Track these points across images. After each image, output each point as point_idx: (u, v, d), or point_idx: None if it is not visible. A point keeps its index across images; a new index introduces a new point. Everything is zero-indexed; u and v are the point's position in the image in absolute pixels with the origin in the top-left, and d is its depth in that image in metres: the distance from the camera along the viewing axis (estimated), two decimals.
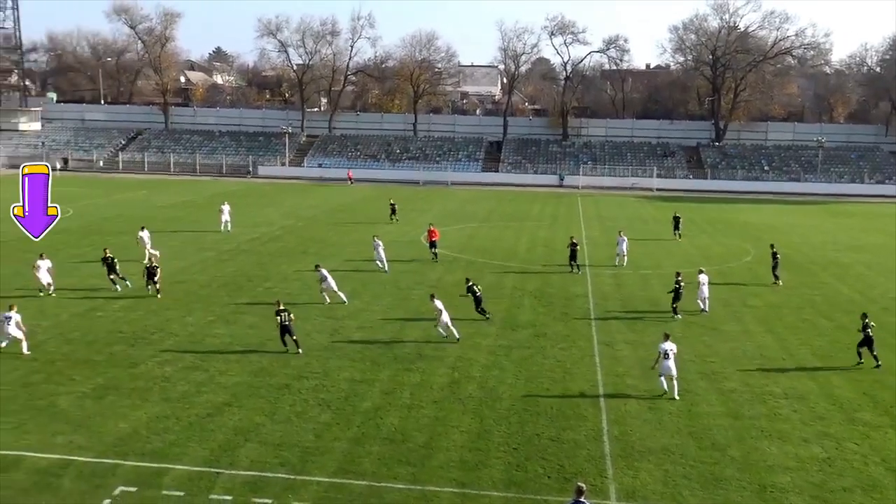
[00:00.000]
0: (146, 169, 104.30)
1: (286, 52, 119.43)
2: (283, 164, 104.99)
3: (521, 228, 57.60)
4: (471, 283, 31.07)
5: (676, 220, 54.14)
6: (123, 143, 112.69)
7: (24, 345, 25.30)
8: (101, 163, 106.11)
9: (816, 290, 38.26)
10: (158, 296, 32.92)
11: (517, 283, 37.95)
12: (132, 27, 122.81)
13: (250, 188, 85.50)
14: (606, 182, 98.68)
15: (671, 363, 22.87)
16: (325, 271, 33.31)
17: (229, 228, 51.09)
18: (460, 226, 58.51)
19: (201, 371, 24.08)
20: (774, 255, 39.80)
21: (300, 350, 26.00)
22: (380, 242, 40.50)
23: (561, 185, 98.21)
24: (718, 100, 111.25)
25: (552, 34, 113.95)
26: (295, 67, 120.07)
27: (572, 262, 40.80)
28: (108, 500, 16.16)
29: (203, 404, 21.43)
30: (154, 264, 34.11)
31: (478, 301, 30.64)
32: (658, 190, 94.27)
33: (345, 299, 33.06)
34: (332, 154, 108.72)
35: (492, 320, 30.80)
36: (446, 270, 40.80)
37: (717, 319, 31.88)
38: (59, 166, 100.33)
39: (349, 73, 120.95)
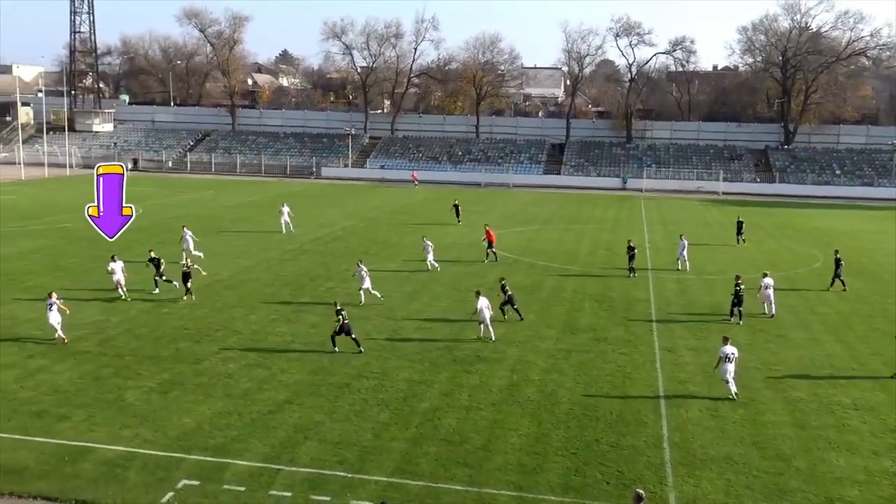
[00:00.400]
0: (213, 170, 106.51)
1: (350, 54, 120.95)
2: (345, 166, 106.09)
3: (582, 231, 57.12)
4: (503, 282, 31.09)
5: (739, 224, 53.03)
6: (191, 144, 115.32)
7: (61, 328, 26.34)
8: (170, 163, 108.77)
9: (889, 299, 37.02)
10: (193, 297, 32.71)
11: (578, 287, 37.64)
12: (202, 30, 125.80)
13: (313, 189, 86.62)
14: (670, 185, 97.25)
15: (730, 366, 22.68)
16: (364, 268, 33.82)
17: (291, 229, 51.71)
18: (521, 228, 58.30)
19: (263, 368, 24.47)
20: (838, 261, 38.67)
21: (362, 349, 26.25)
22: (430, 244, 40.61)
23: (624, 189, 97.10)
24: (788, 102, 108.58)
25: (617, 35, 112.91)
26: (359, 70, 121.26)
27: (630, 265, 40.29)
28: (171, 493, 16.52)
29: (265, 401, 21.77)
30: (192, 266, 34.01)
31: (510, 300, 30.42)
32: (724, 194, 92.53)
33: (380, 297, 33.59)
34: (395, 156, 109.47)
35: (525, 321, 30.62)
36: (506, 272, 40.61)
37: (783, 326, 31.10)
38: (129, 167, 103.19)
39: (412, 75, 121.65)
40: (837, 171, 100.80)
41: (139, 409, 20.99)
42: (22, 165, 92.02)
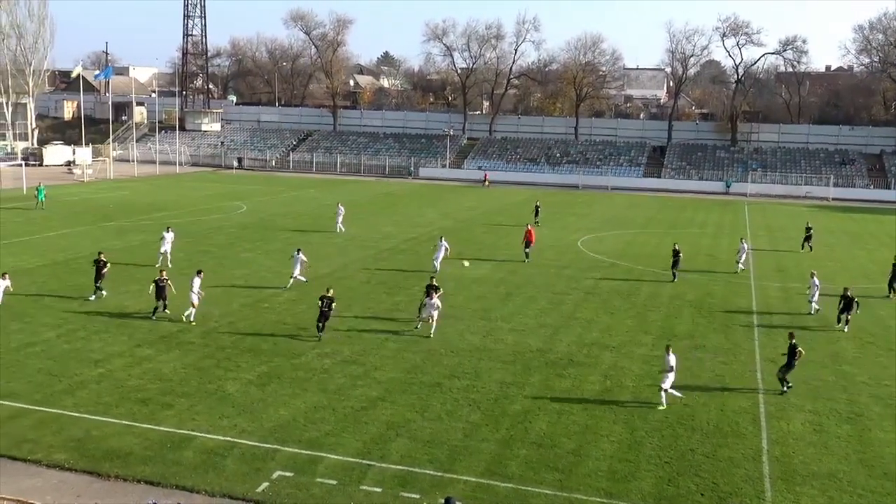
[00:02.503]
0: (314, 169, 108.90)
1: (451, 55, 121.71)
2: (443, 166, 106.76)
3: (682, 236, 55.80)
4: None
5: (808, 230, 50.75)
6: (294, 143, 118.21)
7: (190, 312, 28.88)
8: (274, 162, 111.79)
9: None
10: (167, 311, 29.45)
11: (676, 292, 36.80)
12: (307, 33, 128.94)
13: (411, 189, 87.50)
14: (777, 190, 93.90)
15: (671, 376, 22.20)
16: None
17: (342, 229, 51.71)
18: (619, 231, 57.42)
19: (357, 365, 24.85)
20: None
21: (321, 335, 27.09)
22: (445, 244, 40.43)
23: (727, 193, 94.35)
24: None
25: (724, 35, 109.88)
26: (459, 71, 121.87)
27: (674, 270, 39.26)
28: (266, 483, 16.96)
29: (358, 397, 22.11)
30: (166, 279, 29.63)
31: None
32: (834, 199, 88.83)
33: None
34: (492, 157, 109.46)
35: (622, 326, 30.00)
36: (603, 276, 40.13)
37: (894, 340, 29.60)
38: (235, 165, 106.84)
39: (512, 76, 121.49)
40: None
41: (238, 400, 21.65)
42: (135, 163, 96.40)
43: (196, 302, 29.08)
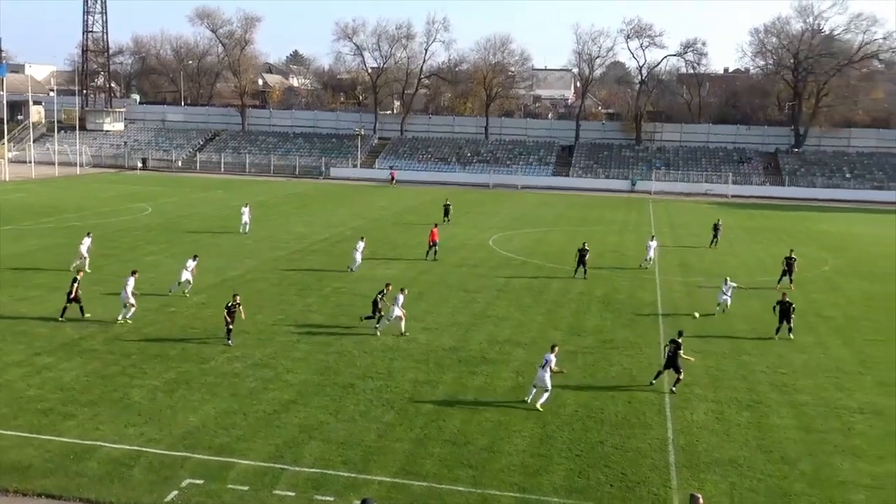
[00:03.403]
0: (222, 169, 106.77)
1: (361, 55, 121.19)
2: (354, 166, 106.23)
3: (590, 233, 57.00)
4: (384, 291, 29.60)
5: (716, 227, 52.78)
6: (201, 143, 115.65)
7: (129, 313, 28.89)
8: (180, 163, 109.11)
9: None
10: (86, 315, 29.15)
11: (585, 289, 37.60)
12: (213, 31, 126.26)
13: (322, 189, 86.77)
14: (680, 188, 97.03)
15: (545, 375, 21.78)
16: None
17: (247, 230, 51.04)
18: (529, 230, 58.27)
19: (269, 369, 24.52)
20: (791, 260, 39.54)
21: (229, 342, 26.53)
22: (361, 244, 40.73)
23: (633, 191, 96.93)
24: (799, 105, 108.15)
25: (628, 37, 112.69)
26: (369, 70, 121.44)
27: (580, 267, 39.79)
28: (175, 492, 16.56)
29: (270, 401, 21.81)
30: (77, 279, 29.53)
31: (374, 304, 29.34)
32: (733, 196, 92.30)
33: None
34: (403, 156, 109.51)
35: (532, 323, 30.60)
36: (514, 273, 40.68)
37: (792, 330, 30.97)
38: (139, 165, 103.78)
39: (423, 76, 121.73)
40: (847, 175, 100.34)
41: (145, 407, 21.06)
42: (33, 164, 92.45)
43: (133, 301, 28.92)
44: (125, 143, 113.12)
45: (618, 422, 21.18)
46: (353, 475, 17.62)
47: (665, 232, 59.30)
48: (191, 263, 33.64)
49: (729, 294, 33.53)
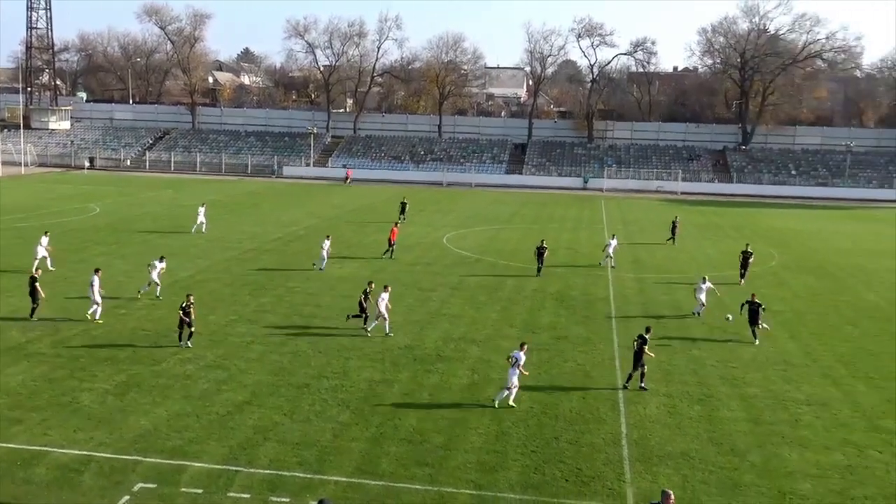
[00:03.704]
0: (172, 168, 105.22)
1: (313, 53, 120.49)
2: (307, 165, 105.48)
3: (544, 231, 57.39)
4: (367, 290, 29.43)
5: (674, 225, 53.59)
6: (151, 142, 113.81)
7: (95, 310, 28.93)
8: (129, 162, 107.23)
9: (842, 297, 37.84)
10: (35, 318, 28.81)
11: (539, 286, 37.86)
12: (162, 28, 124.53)
13: (275, 188, 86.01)
14: (631, 185, 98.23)
15: (512, 372, 21.76)
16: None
17: (203, 230, 50.63)
18: (483, 227, 58.49)
19: (222, 370, 24.25)
20: (747, 254, 40.24)
21: (188, 343, 26.14)
22: (326, 242, 40.62)
23: (585, 188, 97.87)
24: (746, 103, 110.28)
25: (579, 36, 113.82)
26: (322, 68, 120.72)
27: (539, 265, 40.01)
28: (127, 497, 16.31)
29: (223, 403, 21.58)
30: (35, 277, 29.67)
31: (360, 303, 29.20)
32: (683, 193, 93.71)
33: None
34: (357, 155, 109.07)
35: (487, 320, 30.78)
36: (469, 272, 40.80)
37: (740, 324, 31.56)
38: (86, 165, 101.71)
39: (375, 74, 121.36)
40: (793, 172, 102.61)
41: (95, 411, 20.68)
42: None
43: (99, 300, 29.06)
44: (72, 141, 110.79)
45: (572, 417, 21.39)
46: (308, 476, 17.52)
47: (618, 229, 59.90)
48: (158, 265, 33.14)
49: (703, 295, 32.84)
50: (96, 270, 30.10)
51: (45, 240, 38.28)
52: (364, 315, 28.77)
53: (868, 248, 54.21)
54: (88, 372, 23.62)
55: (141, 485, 16.80)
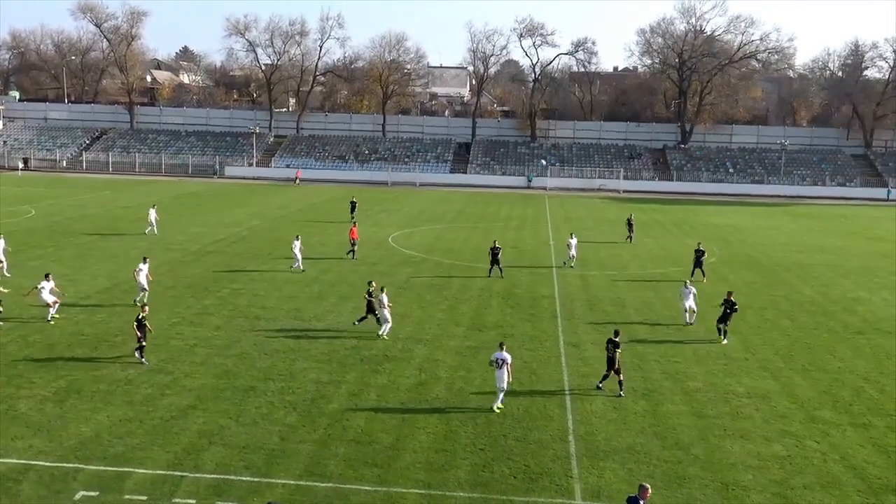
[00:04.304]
0: (111, 169, 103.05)
1: (254, 51, 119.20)
2: (250, 165, 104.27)
3: (489, 230, 57.69)
4: (370, 290, 29.54)
5: (630, 222, 54.37)
6: (87, 142, 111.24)
7: (52, 310, 28.96)
8: (65, 163, 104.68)
9: (779, 291, 38.80)
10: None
11: (485, 285, 38.03)
12: (97, 25, 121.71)
13: (217, 189, 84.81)
14: (574, 184, 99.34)
15: (502, 374, 21.62)
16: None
17: (155, 231, 49.99)
18: (428, 226, 58.52)
19: (165, 374, 23.82)
20: (700, 251, 40.75)
21: (143, 361, 24.79)
22: (297, 242, 40.40)
23: (529, 187, 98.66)
24: (684, 103, 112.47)
25: (521, 36, 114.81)
26: (263, 67, 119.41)
27: (494, 266, 39.63)
28: None
29: (167, 407, 21.20)
30: None
31: (369, 306, 29.29)
32: (625, 192, 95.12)
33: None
34: (300, 154, 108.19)
35: (433, 319, 30.86)
36: (415, 271, 40.79)
37: (680, 319, 32.15)
38: (20, 166, 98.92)
39: (318, 73, 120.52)
40: (731, 170, 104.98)
41: (32, 418, 20.13)
42: None
43: (51, 300, 29.04)
44: (4, 142, 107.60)
45: (520, 415, 21.53)
46: (256, 479, 17.33)
47: (561, 227, 60.56)
48: (143, 267, 32.46)
49: (687, 299, 31.56)
50: (46, 275, 30.01)
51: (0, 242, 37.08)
52: (375, 316, 28.67)
53: (803, 243, 55.75)
54: (26, 378, 22.98)
55: (83, 493, 16.42)
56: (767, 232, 61.80)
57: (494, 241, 41.35)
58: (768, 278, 42.13)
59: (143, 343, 24.76)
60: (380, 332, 28.37)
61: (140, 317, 24.89)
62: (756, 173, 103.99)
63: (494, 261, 39.71)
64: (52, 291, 29.40)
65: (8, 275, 36.01)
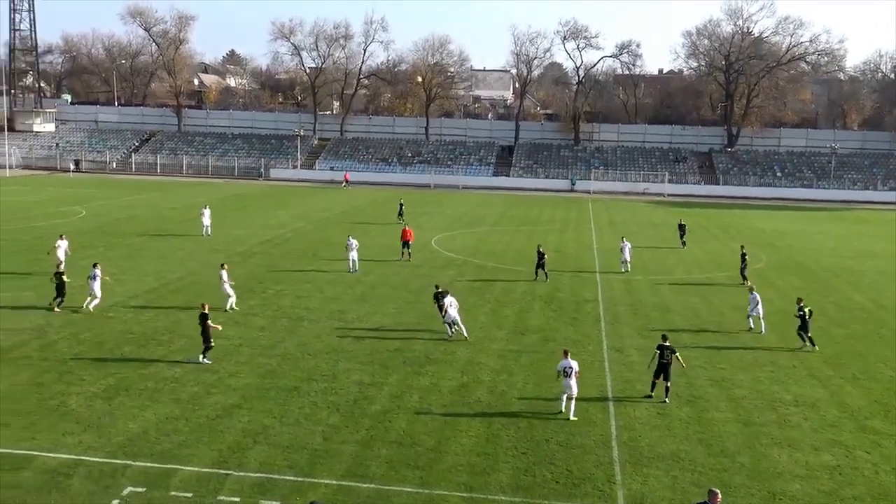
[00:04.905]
0: (159, 171, 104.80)
1: (299, 55, 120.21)
2: (294, 167, 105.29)
3: (531, 233, 57.50)
4: (439, 291, 30.04)
5: (682, 227, 53.76)
6: (136, 144, 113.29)
7: (94, 303, 30.76)
8: (114, 164, 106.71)
9: (829, 298, 38.04)
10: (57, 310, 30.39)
11: (527, 288, 37.89)
12: (146, 29, 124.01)
13: (261, 191, 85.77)
14: (618, 187, 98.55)
15: (571, 381, 21.53)
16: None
17: (209, 232, 50.74)
18: (470, 230, 58.50)
19: (211, 373, 24.13)
20: (744, 256, 40.71)
21: (203, 359, 25.09)
22: (354, 243, 40.68)
23: (572, 190, 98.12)
24: (731, 105, 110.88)
25: (565, 39, 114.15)
26: (308, 70, 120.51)
27: (538, 270, 39.62)
28: (116, 501, 16.19)
29: (212, 406, 21.48)
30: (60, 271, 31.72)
31: (440, 308, 29.55)
32: (669, 195, 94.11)
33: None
34: (344, 157, 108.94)
35: (476, 322, 30.79)
36: (457, 274, 40.81)
37: (727, 325, 31.70)
38: (71, 167, 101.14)
39: (361, 76, 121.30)
40: (778, 174, 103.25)
41: (83, 415, 20.54)
42: None
43: (98, 293, 30.89)
44: (57, 144, 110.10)
45: (562, 419, 21.38)
46: (298, 479, 17.45)
47: (605, 230, 60.14)
48: (224, 274, 32.64)
49: (754, 307, 30.97)
50: (95, 265, 31.91)
51: (62, 243, 38.32)
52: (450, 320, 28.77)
53: (854, 249, 54.60)
54: (76, 375, 23.46)
55: (130, 489, 16.70)
56: (816, 237, 60.64)
57: (539, 246, 41.18)
58: (817, 284, 41.33)
59: (212, 344, 25.05)
60: (451, 334, 28.70)
61: (203, 313, 25.24)
62: (805, 177, 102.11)
63: (539, 264, 39.57)
64: (97, 280, 31.10)
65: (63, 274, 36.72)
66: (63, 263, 36.75)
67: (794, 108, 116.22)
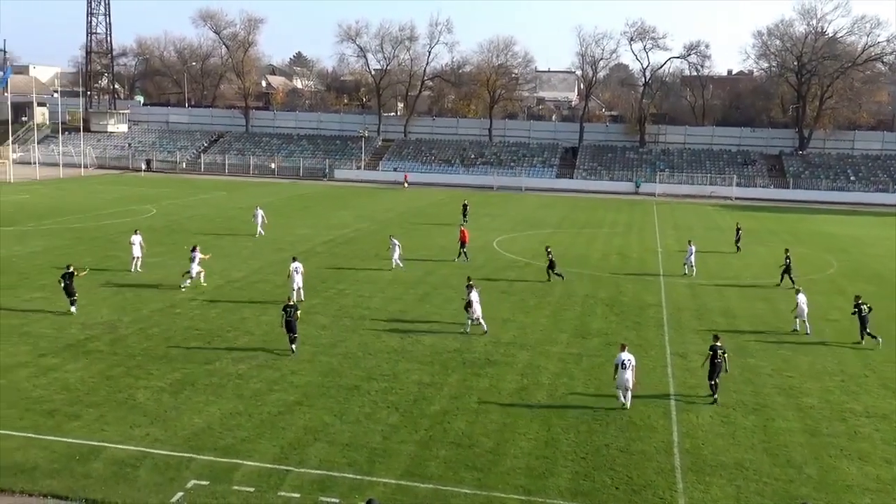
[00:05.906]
0: (226, 171, 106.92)
1: (365, 57, 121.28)
2: (359, 168, 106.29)
3: (594, 235, 56.99)
4: (470, 283, 30.40)
5: (738, 231, 52.59)
6: (205, 145, 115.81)
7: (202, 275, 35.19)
8: (184, 164, 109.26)
9: None
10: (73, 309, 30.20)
11: (589, 291, 37.54)
12: (217, 32, 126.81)
13: (326, 191, 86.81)
14: (684, 190, 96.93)
15: (628, 374, 21.97)
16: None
17: (262, 232, 51.16)
18: (533, 232, 58.23)
19: (274, 370, 24.52)
20: (788, 259, 40.50)
21: (294, 351, 26.01)
22: (397, 242, 41.15)
23: (637, 193, 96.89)
24: (803, 107, 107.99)
25: (632, 39, 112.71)
26: (373, 72, 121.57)
27: (549, 271, 39.42)
28: (181, 493, 16.58)
29: (274, 402, 21.81)
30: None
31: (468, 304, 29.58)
32: (737, 199, 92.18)
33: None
34: (407, 158, 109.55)
35: (537, 325, 30.57)
36: (518, 275, 40.65)
37: (796, 332, 30.89)
38: (143, 167, 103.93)
39: (426, 77, 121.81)
40: (852, 177, 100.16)
41: (150, 408, 21.07)
42: (37, 165, 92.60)
43: (195, 270, 34.82)
44: (129, 144, 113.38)
45: (623, 424, 21.13)
46: (358, 477, 17.60)
47: (669, 234, 59.23)
48: (297, 266, 33.91)
49: (802, 311, 30.96)
50: (194, 248, 35.71)
51: (136, 238, 38.97)
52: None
53: None
54: (144, 370, 24.09)
55: (194, 482, 17.06)
56: (890, 243, 58.64)
57: (547, 247, 41.11)
58: (892, 292, 39.96)
59: (295, 335, 26.08)
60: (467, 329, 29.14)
61: (287, 307, 26.20)
62: (880, 181, 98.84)
63: (550, 266, 39.51)
64: (199, 262, 35.15)
65: (141, 270, 37.81)
66: (140, 259, 38.13)
67: (869, 109, 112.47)
